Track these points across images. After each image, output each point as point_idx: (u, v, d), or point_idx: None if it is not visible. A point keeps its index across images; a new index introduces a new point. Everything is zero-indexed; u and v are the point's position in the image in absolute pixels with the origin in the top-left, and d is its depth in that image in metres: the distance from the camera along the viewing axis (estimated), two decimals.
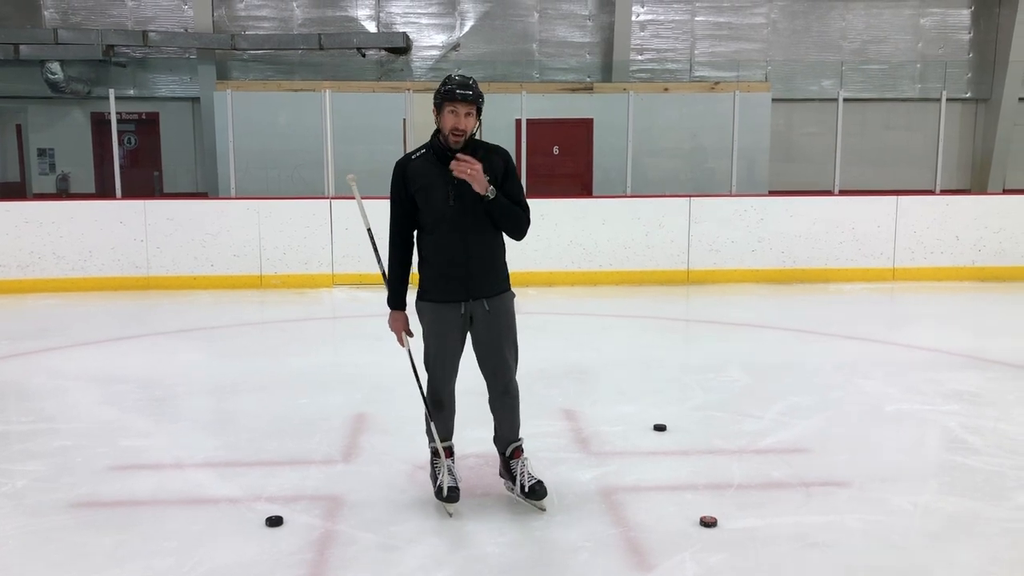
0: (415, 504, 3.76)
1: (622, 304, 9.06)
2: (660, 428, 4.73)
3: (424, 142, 3.62)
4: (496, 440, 3.82)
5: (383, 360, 6.44)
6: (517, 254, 10.67)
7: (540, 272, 10.06)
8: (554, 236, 10.13)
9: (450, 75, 3.53)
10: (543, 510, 3.67)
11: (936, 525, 3.52)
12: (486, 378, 3.70)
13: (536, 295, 9.51)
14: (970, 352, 6.60)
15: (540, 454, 4.32)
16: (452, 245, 3.51)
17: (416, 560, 3.22)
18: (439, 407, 3.71)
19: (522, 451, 3.77)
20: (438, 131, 3.52)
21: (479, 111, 3.47)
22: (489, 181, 3.42)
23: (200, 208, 10.28)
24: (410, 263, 3.67)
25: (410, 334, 3.73)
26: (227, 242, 9.95)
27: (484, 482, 3.98)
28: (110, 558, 3.25)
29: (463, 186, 3.43)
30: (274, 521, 3.51)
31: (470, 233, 3.51)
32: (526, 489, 3.67)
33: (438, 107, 3.47)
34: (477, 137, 3.58)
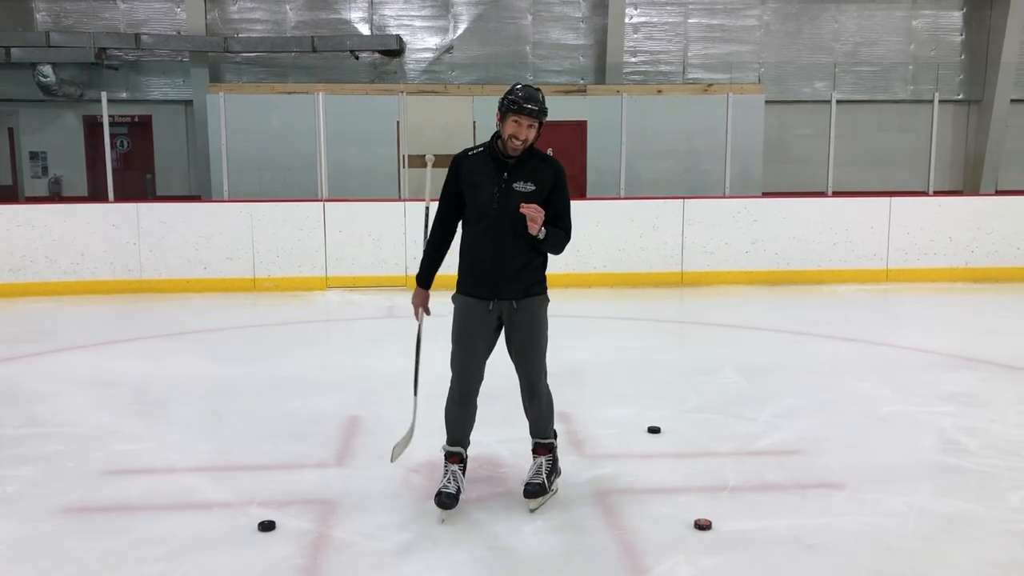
0: (409, 508, 3.74)
1: (616, 306, 9.06)
2: (654, 430, 4.72)
3: (483, 142, 3.72)
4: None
5: (377, 363, 6.45)
6: None
7: None
8: None
9: (518, 84, 3.62)
10: (531, 510, 3.70)
11: (931, 526, 3.52)
12: (518, 375, 3.75)
13: None
14: (964, 353, 6.61)
15: None
16: (485, 244, 3.60)
17: (410, 565, 3.20)
18: (462, 404, 3.72)
19: (547, 451, 3.83)
20: (497, 134, 3.60)
21: (541, 124, 3.56)
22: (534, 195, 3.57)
23: (193, 211, 10.25)
24: (447, 249, 3.76)
25: (427, 311, 3.80)
26: (220, 245, 9.92)
27: (479, 486, 3.97)
28: (101, 564, 3.22)
29: (510, 191, 3.56)
30: (267, 526, 3.49)
31: (506, 236, 3.58)
32: (524, 484, 3.75)
33: (503, 114, 3.54)
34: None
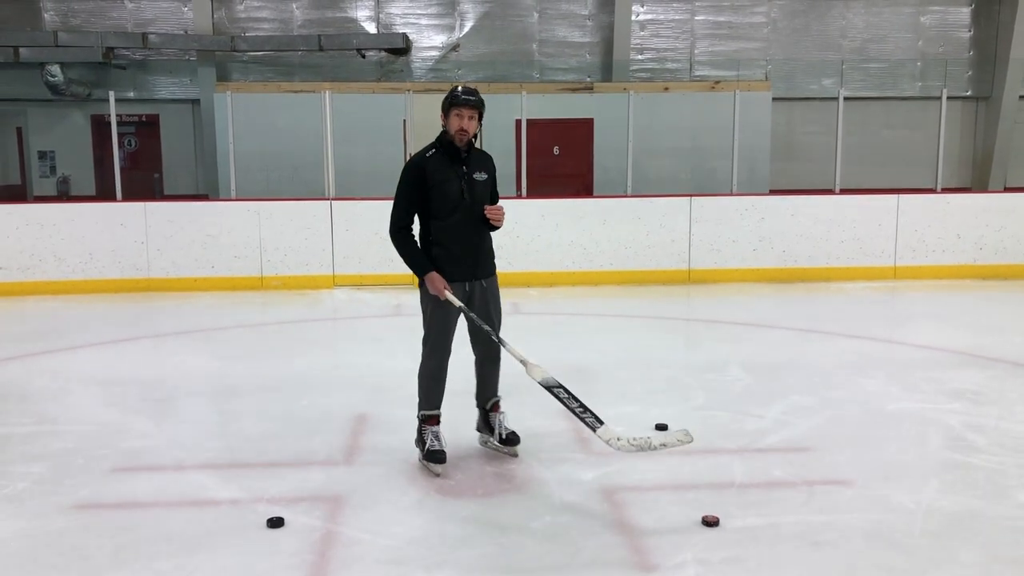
0: (416, 505, 3.75)
1: (623, 304, 9.06)
2: (662, 428, 4.72)
3: (429, 142, 4.15)
4: (478, 397, 4.39)
5: (384, 361, 6.46)
6: (519, 254, 10.59)
7: (541, 272, 10.06)
8: (555, 236, 10.13)
9: (456, 85, 4.09)
10: (515, 456, 4.26)
11: (938, 523, 3.51)
12: (478, 346, 4.25)
13: (537, 295, 9.51)
14: (971, 350, 6.59)
15: (541, 454, 4.33)
16: (466, 231, 4.07)
17: (418, 561, 3.21)
18: (440, 376, 4.18)
19: (499, 406, 4.36)
20: (445, 132, 4.06)
21: (481, 116, 4.05)
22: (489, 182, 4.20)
23: (201, 210, 10.28)
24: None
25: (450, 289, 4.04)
26: (228, 244, 9.94)
27: (485, 483, 3.98)
28: (111, 560, 3.24)
29: (472, 181, 4.06)
30: (275, 522, 3.51)
31: (478, 223, 4.10)
32: (503, 437, 4.28)
33: (446, 112, 4.01)
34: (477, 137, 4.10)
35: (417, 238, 4.11)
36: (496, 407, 4.35)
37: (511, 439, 4.27)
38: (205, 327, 8.00)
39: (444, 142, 4.07)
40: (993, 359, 6.32)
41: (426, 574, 3.12)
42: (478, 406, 4.40)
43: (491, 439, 4.34)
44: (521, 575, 3.12)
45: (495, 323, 4.19)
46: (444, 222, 4.04)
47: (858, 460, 4.24)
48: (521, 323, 8.19)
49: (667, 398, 5.39)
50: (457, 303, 4.00)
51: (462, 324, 4.17)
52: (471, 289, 4.11)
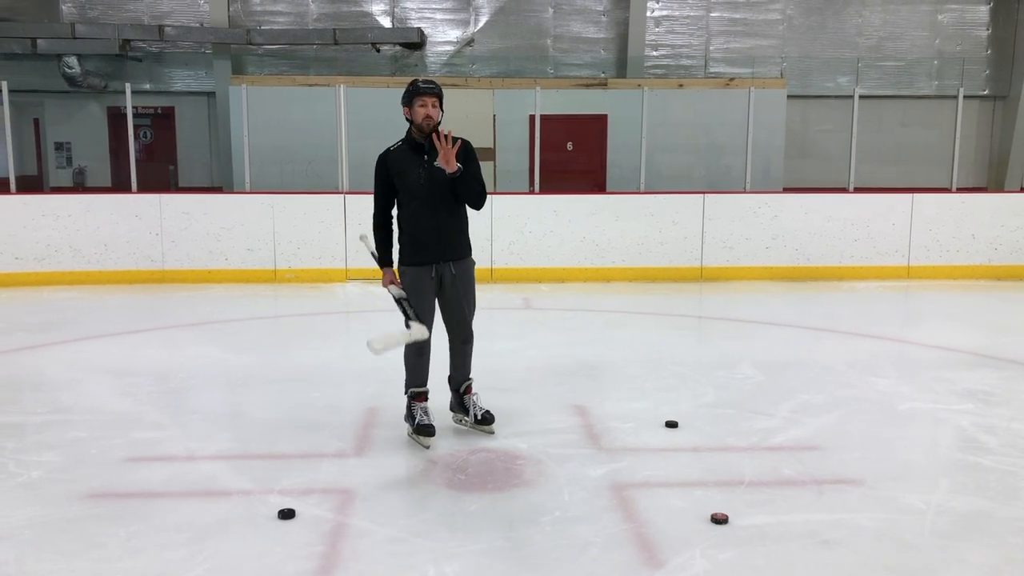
0: (427, 497, 3.77)
1: (635, 301, 9.05)
2: (672, 425, 4.73)
3: (399, 139, 4.46)
4: (451, 380, 4.63)
5: (395, 355, 6.46)
6: (531, 250, 10.58)
7: (553, 268, 10.06)
8: (567, 232, 10.13)
9: (413, 79, 4.40)
10: (492, 433, 4.51)
11: (948, 524, 3.50)
12: (449, 329, 4.53)
13: (549, 291, 9.51)
14: (984, 351, 6.56)
15: (550, 450, 4.34)
16: (424, 215, 4.29)
17: (427, 554, 3.23)
18: (421, 354, 4.44)
19: (472, 388, 4.61)
20: (410, 124, 4.35)
21: (440, 102, 4.31)
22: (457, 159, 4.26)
23: (215, 202, 10.33)
24: (392, 233, 4.48)
25: (397, 284, 4.42)
26: (241, 236, 9.99)
27: (494, 478, 4.00)
28: (123, 548, 3.27)
29: (431, 168, 4.25)
30: (286, 514, 3.53)
31: (438, 205, 4.29)
32: (478, 418, 4.54)
33: (409, 104, 4.30)
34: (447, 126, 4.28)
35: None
36: (469, 390, 4.60)
37: (486, 418, 4.53)
38: (218, 319, 8.04)
39: (407, 136, 4.38)
40: (1006, 360, 6.29)
41: (435, 567, 3.13)
42: (451, 389, 4.65)
43: (466, 418, 4.59)
44: (529, 570, 3.13)
45: (465, 309, 4.44)
46: (407, 209, 4.33)
47: (868, 459, 4.23)
48: (533, 318, 8.20)
49: (678, 395, 5.38)
50: (395, 295, 4.37)
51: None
52: (440, 273, 4.36)
